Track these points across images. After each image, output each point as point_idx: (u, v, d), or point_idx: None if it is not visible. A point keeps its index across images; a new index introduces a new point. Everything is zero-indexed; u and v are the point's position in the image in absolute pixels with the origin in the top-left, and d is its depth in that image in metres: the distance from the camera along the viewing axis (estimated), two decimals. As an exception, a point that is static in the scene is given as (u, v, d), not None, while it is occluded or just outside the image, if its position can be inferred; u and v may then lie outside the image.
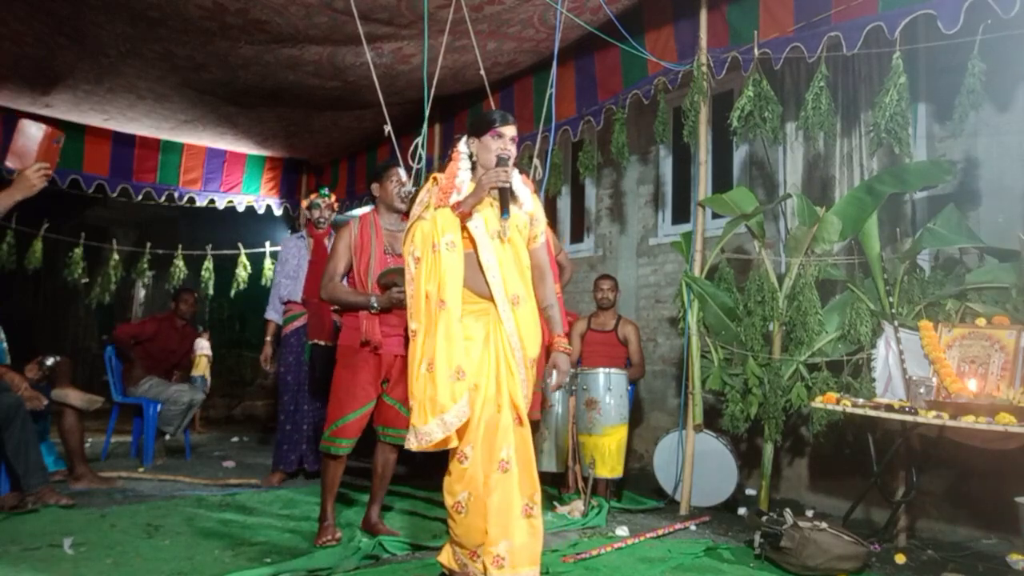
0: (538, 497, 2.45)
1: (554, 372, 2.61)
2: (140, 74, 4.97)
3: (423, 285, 2.48)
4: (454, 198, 2.54)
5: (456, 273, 2.47)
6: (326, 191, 4.75)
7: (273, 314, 4.87)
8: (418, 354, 2.45)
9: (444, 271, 2.45)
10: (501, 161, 2.53)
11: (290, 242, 4.95)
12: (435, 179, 2.63)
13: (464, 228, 2.51)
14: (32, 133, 2.61)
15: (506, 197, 2.50)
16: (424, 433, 2.37)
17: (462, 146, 2.64)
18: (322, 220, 4.65)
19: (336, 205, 4.82)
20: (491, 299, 2.50)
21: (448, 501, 2.49)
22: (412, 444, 2.41)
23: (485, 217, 2.54)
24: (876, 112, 3.53)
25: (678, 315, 4.38)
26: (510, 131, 2.58)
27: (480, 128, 2.59)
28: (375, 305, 3.24)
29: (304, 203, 4.87)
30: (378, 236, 3.38)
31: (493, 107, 4.48)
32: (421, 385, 2.42)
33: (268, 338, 4.91)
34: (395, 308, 3.28)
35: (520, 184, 2.60)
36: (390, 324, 3.30)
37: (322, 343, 4.26)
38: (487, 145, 2.56)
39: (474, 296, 2.51)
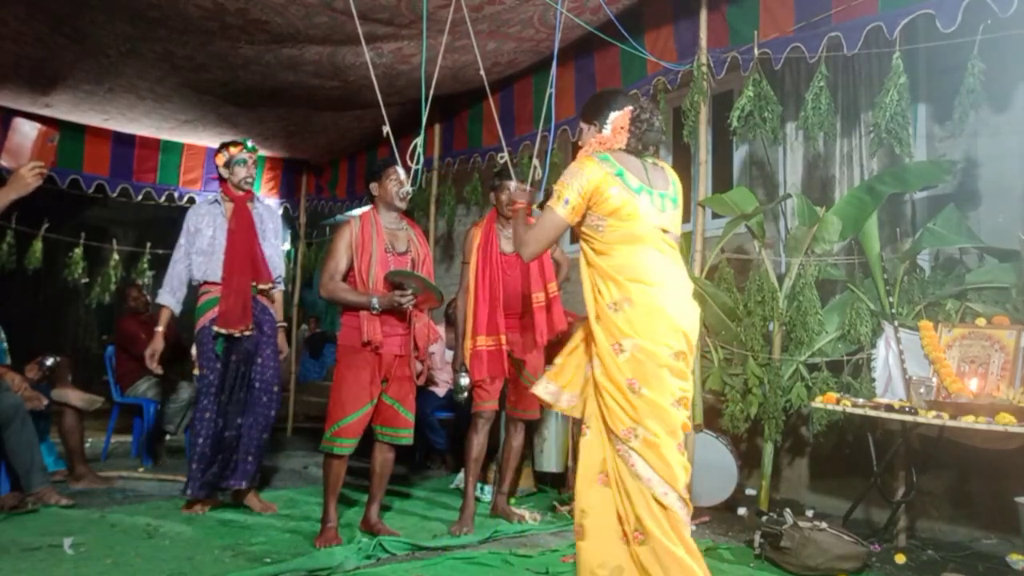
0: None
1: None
2: (140, 74, 4.96)
3: None
4: None
5: None
6: (251, 143, 3.95)
7: (170, 298, 3.82)
8: None
9: None
10: None
11: (201, 208, 3.92)
12: None
13: None
14: (27, 131, 2.59)
15: None
16: None
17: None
18: (248, 180, 3.85)
19: (255, 162, 3.98)
20: None
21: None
22: None
23: None
24: (876, 112, 3.53)
25: (678, 315, 4.37)
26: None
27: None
28: (376, 306, 3.24)
29: (220, 159, 3.88)
30: (379, 235, 3.38)
31: (493, 107, 4.47)
32: None
33: (160, 328, 3.81)
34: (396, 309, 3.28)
35: None
36: (390, 324, 3.31)
37: (238, 333, 3.68)
38: None
39: None
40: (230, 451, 3.76)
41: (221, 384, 3.73)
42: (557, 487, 4.53)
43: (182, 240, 3.85)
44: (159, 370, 3.87)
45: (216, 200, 3.93)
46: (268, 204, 4.10)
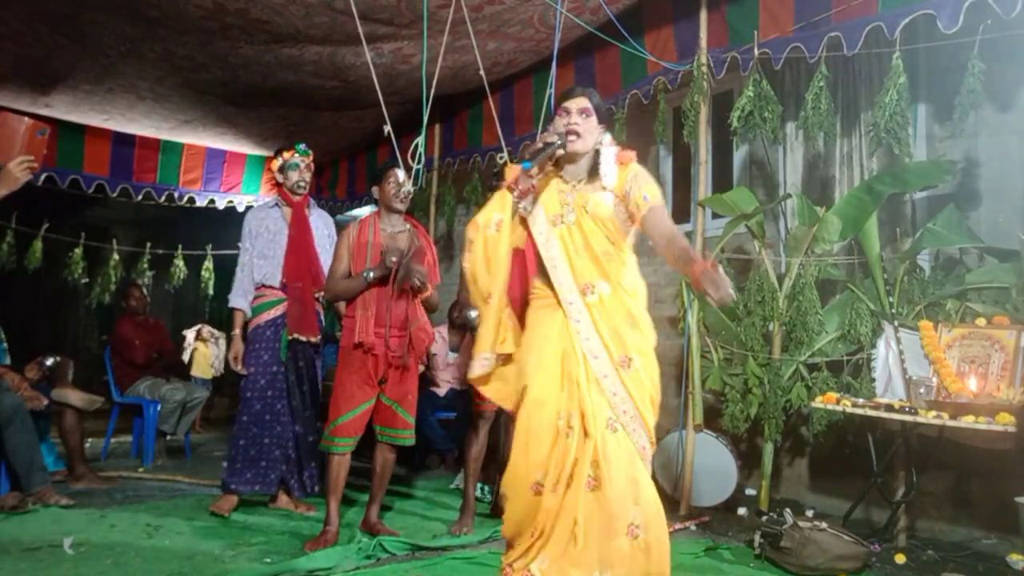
0: (639, 518, 2.14)
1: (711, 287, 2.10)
2: (140, 74, 4.96)
3: (469, 270, 2.34)
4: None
5: (498, 257, 2.30)
6: (303, 147, 3.95)
7: (242, 301, 3.85)
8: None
9: (489, 254, 2.29)
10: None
11: (260, 212, 3.95)
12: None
13: (524, 221, 2.35)
14: (14, 125, 2.54)
15: (544, 152, 2.27)
16: None
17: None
18: (301, 184, 3.89)
19: (313, 165, 4.02)
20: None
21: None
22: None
23: (545, 204, 2.33)
24: (876, 112, 3.53)
25: (678, 315, 4.37)
26: (575, 104, 2.33)
27: (558, 107, 2.37)
28: (370, 275, 3.27)
29: (274, 164, 3.96)
30: (376, 237, 3.40)
31: (493, 107, 4.47)
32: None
33: (237, 331, 3.85)
34: (402, 283, 3.28)
35: (608, 159, 2.33)
36: (384, 325, 3.32)
37: (304, 339, 3.78)
38: (556, 125, 2.35)
39: (546, 289, 2.35)
40: (307, 454, 3.82)
41: (281, 387, 3.77)
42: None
43: (247, 244, 3.88)
44: (244, 371, 3.81)
45: (276, 204, 3.96)
46: (321, 211, 4.14)
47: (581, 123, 2.32)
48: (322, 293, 3.85)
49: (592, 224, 2.32)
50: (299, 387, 3.83)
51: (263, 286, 3.84)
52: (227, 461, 3.75)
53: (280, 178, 3.94)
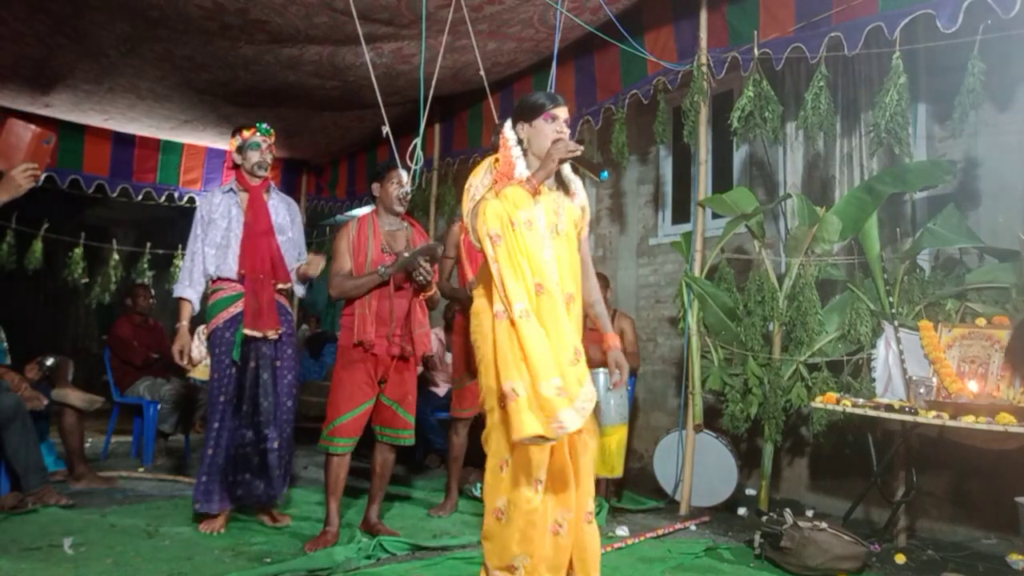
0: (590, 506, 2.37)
1: (616, 372, 2.50)
2: (140, 74, 4.97)
3: (511, 263, 2.22)
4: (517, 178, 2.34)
5: (541, 253, 2.25)
6: (265, 126, 3.60)
7: (189, 291, 3.42)
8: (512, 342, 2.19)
9: (531, 250, 2.23)
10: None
11: (215, 197, 3.54)
12: (496, 160, 2.43)
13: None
14: (20, 133, 2.55)
15: (589, 164, 2.36)
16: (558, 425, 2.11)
17: (509, 132, 2.41)
18: (261, 166, 3.51)
19: (275, 147, 3.66)
20: None
21: (488, 507, 2.38)
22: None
23: (546, 208, 2.32)
24: (876, 112, 3.53)
25: (678, 315, 4.38)
26: (563, 112, 2.38)
27: (531, 112, 2.38)
28: (384, 272, 3.27)
29: (233, 144, 3.57)
30: (375, 235, 3.41)
31: (493, 107, 4.47)
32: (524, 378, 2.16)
33: (183, 323, 3.41)
34: (408, 273, 3.29)
35: (571, 172, 2.44)
36: (386, 325, 3.32)
37: (260, 335, 3.35)
38: (540, 130, 2.36)
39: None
40: (258, 464, 3.37)
41: (238, 391, 3.38)
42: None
43: (198, 230, 3.48)
44: (191, 367, 3.53)
45: (231, 189, 3.57)
46: (284, 196, 3.75)
47: (567, 131, 2.39)
48: (286, 286, 3.54)
49: (575, 235, 2.42)
50: (255, 389, 3.38)
51: (220, 279, 3.44)
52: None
53: (238, 159, 3.55)
